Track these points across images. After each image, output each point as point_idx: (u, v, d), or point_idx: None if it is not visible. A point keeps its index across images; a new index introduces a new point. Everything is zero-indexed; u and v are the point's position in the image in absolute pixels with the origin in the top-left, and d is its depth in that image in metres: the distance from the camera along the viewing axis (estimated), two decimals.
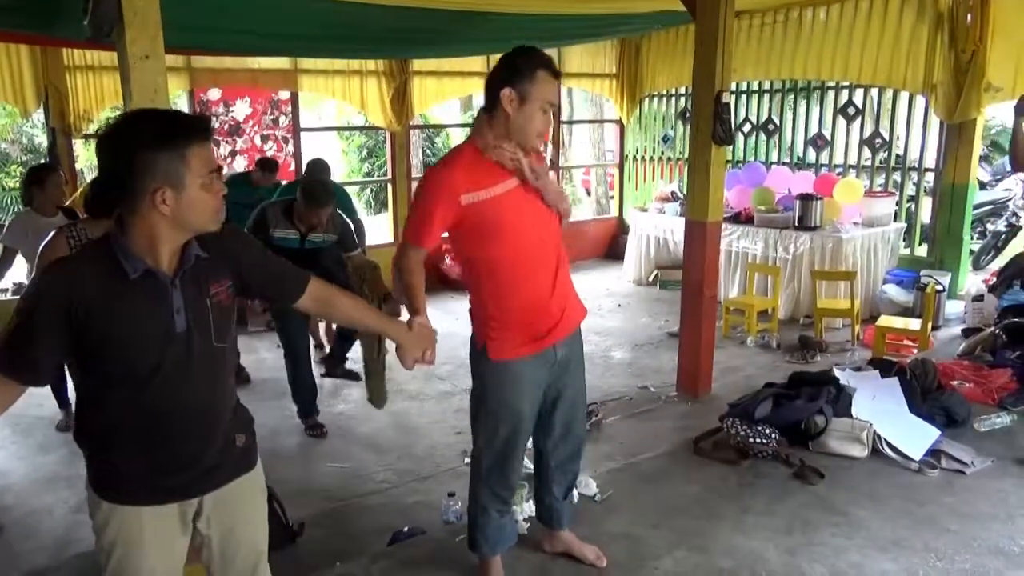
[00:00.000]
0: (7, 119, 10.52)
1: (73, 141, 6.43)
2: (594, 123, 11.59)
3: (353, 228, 4.39)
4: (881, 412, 3.69)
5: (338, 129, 13.90)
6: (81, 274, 1.56)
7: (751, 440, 3.52)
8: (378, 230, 8.67)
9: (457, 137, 15.83)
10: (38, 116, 7.40)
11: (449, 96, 8.34)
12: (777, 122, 7.71)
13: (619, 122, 9.30)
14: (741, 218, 6.85)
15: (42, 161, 11.38)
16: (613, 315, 6.90)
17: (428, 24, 5.07)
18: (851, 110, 7.07)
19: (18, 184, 10.50)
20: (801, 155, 7.60)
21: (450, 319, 6.67)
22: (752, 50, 7.19)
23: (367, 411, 4.42)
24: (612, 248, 9.14)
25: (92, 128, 6.36)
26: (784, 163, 7.62)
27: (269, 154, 6.96)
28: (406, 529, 3.17)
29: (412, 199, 2.38)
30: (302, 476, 3.93)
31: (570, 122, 12.99)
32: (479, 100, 11.53)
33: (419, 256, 2.32)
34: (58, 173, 4.45)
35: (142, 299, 1.59)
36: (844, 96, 7.15)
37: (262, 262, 1.84)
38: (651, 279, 7.92)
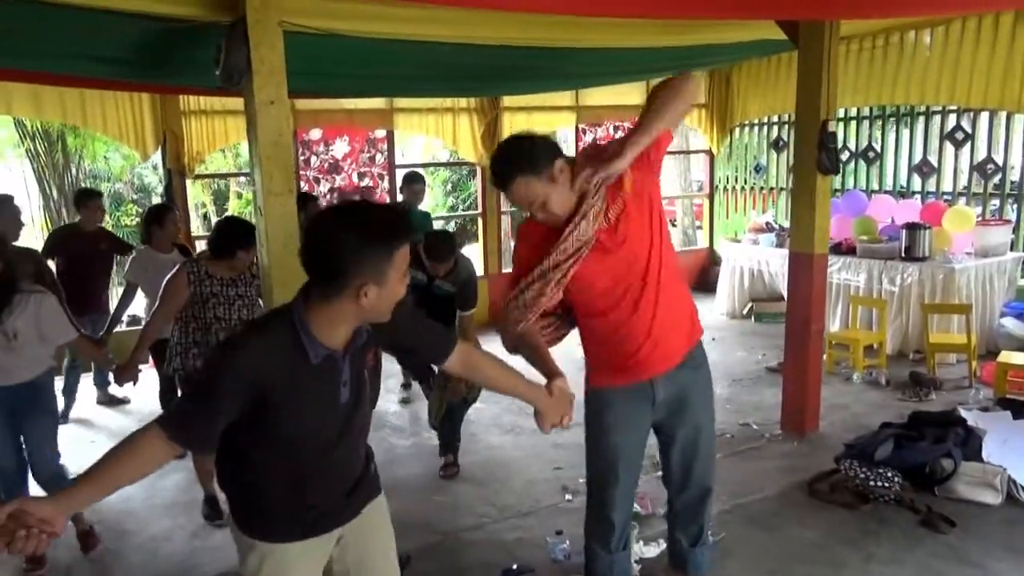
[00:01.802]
0: (124, 162, 11.26)
1: (187, 181, 6.81)
2: (682, 154, 11.47)
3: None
4: (1016, 456, 3.45)
5: (433, 165, 14.24)
6: (267, 356, 1.60)
7: (872, 483, 3.34)
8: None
9: None
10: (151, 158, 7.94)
11: (537, 131, 8.41)
12: (878, 149, 7.44)
13: (708, 152, 9.17)
14: (842, 248, 6.60)
15: (156, 200, 12.16)
16: (708, 349, 6.69)
17: (519, 61, 5.15)
18: (959, 135, 6.75)
19: (133, 222, 11.21)
20: (904, 183, 7.29)
21: None
22: (851, 76, 6.98)
23: (464, 445, 4.44)
24: (702, 280, 8.96)
25: (204, 168, 6.73)
26: (886, 191, 7.33)
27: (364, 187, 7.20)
28: (515, 567, 3.14)
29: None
30: (404, 508, 3.93)
31: None
32: (562, 133, 11.64)
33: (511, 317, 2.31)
34: (175, 212, 4.74)
35: (319, 379, 1.67)
36: (951, 121, 6.83)
37: (414, 327, 1.90)
38: (745, 311, 7.71)
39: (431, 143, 13.47)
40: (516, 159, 2.10)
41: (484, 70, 5.12)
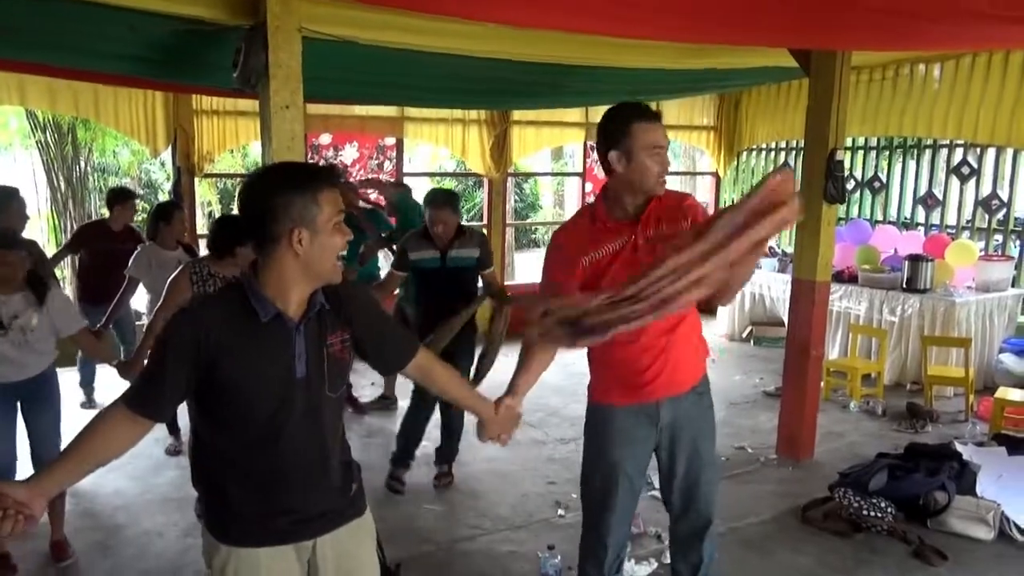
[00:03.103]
0: (132, 158, 11.30)
1: (195, 179, 6.84)
2: (688, 175, 11.52)
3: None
4: (1010, 492, 3.46)
5: (441, 175, 14.29)
6: (212, 314, 1.65)
7: (865, 513, 3.35)
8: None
9: (545, 185, 16.06)
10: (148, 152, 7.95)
11: (545, 145, 8.48)
12: (883, 179, 7.48)
13: (715, 174, 9.22)
14: (844, 277, 6.62)
15: (162, 197, 12.19)
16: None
17: (531, 77, 5.19)
18: (965, 169, 6.79)
19: (140, 218, 11.23)
20: (909, 214, 7.33)
21: None
22: (860, 105, 7.03)
23: (460, 454, 4.44)
24: (703, 301, 8.96)
25: (213, 168, 6.76)
26: (891, 222, 7.36)
27: (372, 196, 7.22)
28: None
29: (542, 271, 2.45)
30: (397, 515, 3.95)
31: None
32: (569, 148, 11.65)
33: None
34: (182, 210, 4.76)
35: (269, 342, 1.66)
36: (957, 154, 6.88)
37: (379, 324, 1.91)
38: (745, 335, 7.72)
39: (438, 152, 13.56)
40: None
41: (497, 84, 5.16)
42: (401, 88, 5.22)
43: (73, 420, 4.74)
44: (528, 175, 13.87)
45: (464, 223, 4.26)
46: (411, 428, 4.30)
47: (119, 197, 5.20)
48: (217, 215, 10.99)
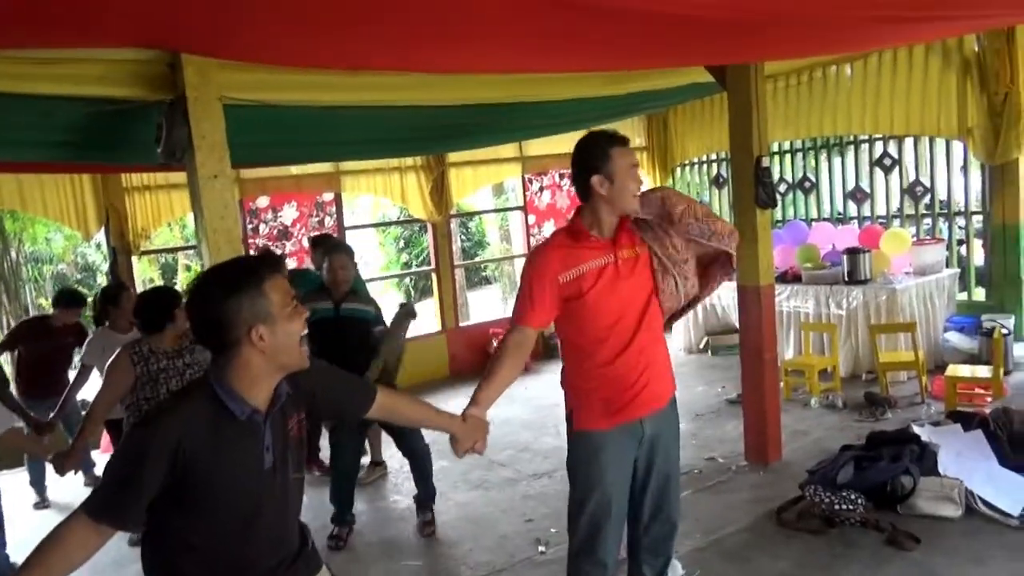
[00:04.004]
0: (66, 242, 11.05)
1: (132, 258, 6.70)
2: None
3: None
4: (970, 468, 3.55)
5: (382, 225, 14.28)
6: (188, 420, 1.60)
7: (837, 507, 3.39)
8: (423, 319, 8.79)
9: (491, 222, 16.15)
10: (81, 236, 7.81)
11: (484, 183, 8.56)
12: (813, 179, 7.74)
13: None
14: (788, 277, 6.79)
15: (101, 279, 11.89)
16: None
17: (462, 119, 5.26)
18: (887, 161, 7.08)
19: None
20: (841, 210, 7.58)
21: (504, 401, 6.69)
22: (780, 111, 7.29)
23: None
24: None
25: (150, 244, 6.64)
26: (825, 219, 7.60)
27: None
28: None
29: (520, 283, 2.56)
30: (379, 573, 3.87)
31: None
32: (509, 183, 11.67)
33: (519, 337, 2.44)
34: (130, 291, 4.66)
35: (242, 441, 1.65)
36: (879, 148, 7.17)
37: (336, 384, 1.92)
38: (702, 346, 7.83)
39: (380, 201, 13.56)
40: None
41: (428, 131, 5.21)
42: (332, 145, 5.23)
43: (28, 520, 4.59)
44: (470, 214, 13.95)
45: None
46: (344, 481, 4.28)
47: (66, 302, 5.10)
48: None
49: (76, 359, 5.32)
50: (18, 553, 4.46)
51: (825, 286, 6.42)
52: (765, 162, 4.55)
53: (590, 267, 2.42)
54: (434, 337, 7.82)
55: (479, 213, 14.35)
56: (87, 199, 6.27)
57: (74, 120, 3.32)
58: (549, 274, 2.41)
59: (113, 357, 3.31)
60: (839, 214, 7.59)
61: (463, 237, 14.59)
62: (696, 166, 9.00)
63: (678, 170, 9.13)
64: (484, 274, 16.87)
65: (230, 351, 1.62)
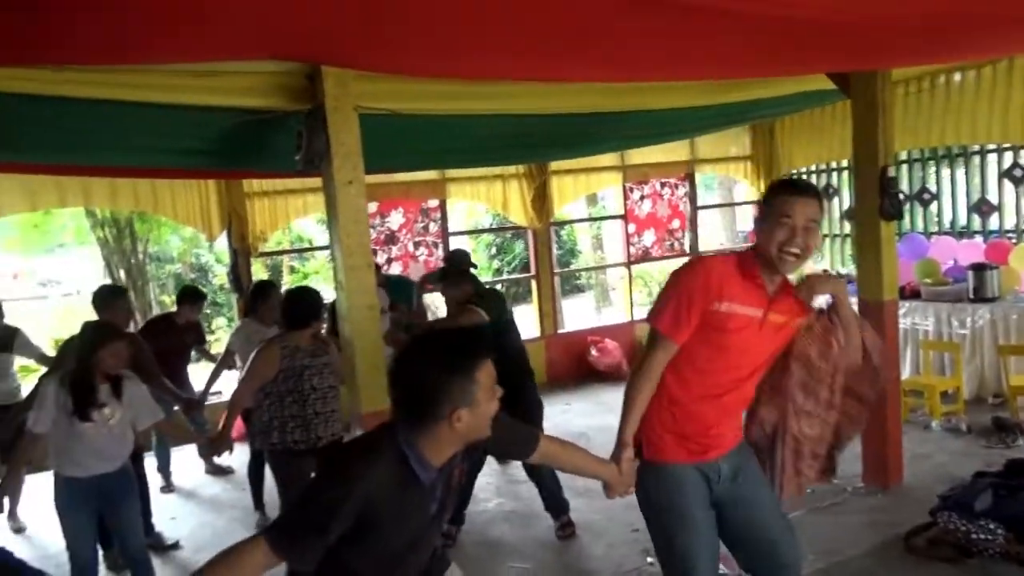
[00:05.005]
0: (184, 244, 11.72)
1: (251, 260, 7.05)
2: (728, 206, 11.51)
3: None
4: None
5: (486, 231, 14.48)
6: (381, 482, 1.67)
7: (974, 536, 3.21)
8: (520, 325, 8.86)
9: (582, 230, 16.11)
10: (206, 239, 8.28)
11: (584, 192, 8.57)
12: (933, 190, 7.36)
13: (757, 203, 9.18)
14: (905, 293, 6.47)
15: (217, 280, 12.57)
16: None
17: (572, 128, 5.29)
18: (1017, 172, 6.66)
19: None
20: (964, 223, 7.18)
21: (602, 410, 6.66)
22: (898, 120, 6.95)
23: (539, 510, 4.39)
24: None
25: (266, 247, 6.98)
26: (946, 232, 7.22)
27: (421, 259, 7.39)
28: None
29: (667, 286, 2.30)
30: (486, 574, 3.92)
31: (704, 207, 12.95)
32: (604, 193, 11.62)
33: (664, 356, 2.24)
34: (278, 289, 4.98)
35: (420, 497, 1.75)
36: (1007, 158, 6.76)
37: (504, 436, 1.91)
38: None
39: (474, 207, 13.76)
40: (817, 190, 2.34)
41: (540, 138, 5.28)
42: (449, 153, 5.38)
43: (155, 503, 4.90)
44: (569, 222, 13.91)
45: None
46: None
47: (190, 297, 5.45)
48: None
49: (193, 354, 5.70)
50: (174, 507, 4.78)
51: (947, 303, 6.09)
52: (891, 172, 4.37)
53: (743, 312, 2.21)
54: (532, 343, 7.86)
55: (579, 221, 14.29)
56: (212, 203, 6.65)
57: (220, 130, 3.54)
58: (711, 292, 2.19)
59: (261, 349, 3.50)
60: (962, 228, 7.19)
61: (555, 245, 14.61)
62: (804, 176, 8.71)
63: None
64: (576, 282, 16.84)
65: (425, 421, 1.68)
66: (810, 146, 8.23)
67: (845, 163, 8.02)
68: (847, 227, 8.13)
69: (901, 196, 7.40)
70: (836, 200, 8.24)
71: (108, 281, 9.52)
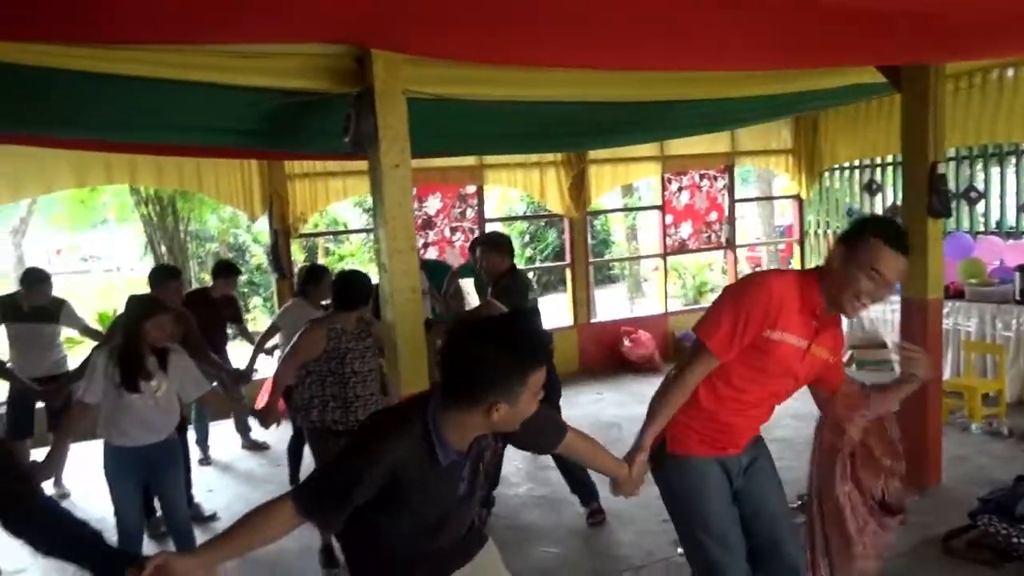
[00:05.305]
0: (222, 224, 11.91)
1: (291, 241, 7.14)
2: (766, 199, 11.36)
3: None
4: None
5: (521, 219, 14.50)
6: (406, 453, 1.72)
7: (1015, 540, 3.16)
8: (552, 313, 8.88)
9: (616, 220, 16.02)
10: (244, 219, 8.42)
11: (622, 181, 8.55)
12: (981, 189, 7.19)
13: (797, 197, 9.06)
14: (949, 292, 6.33)
15: (254, 260, 12.76)
16: (805, 397, 6.53)
17: (614, 117, 5.26)
18: None
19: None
20: (1013, 223, 7.01)
21: (634, 401, 6.65)
22: (948, 115, 6.80)
23: (567, 496, 4.42)
24: None
25: (306, 228, 7.07)
26: (992, 232, 7.05)
27: (457, 244, 7.42)
28: None
29: (723, 302, 2.24)
30: (515, 558, 3.92)
31: (743, 200, 12.75)
32: (640, 183, 11.57)
33: (704, 369, 2.22)
34: (329, 274, 5.10)
35: (443, 477, 1.78)
36: None
37: (532, 425, 1.92)
38: (845, 359, 7.45)
39: (507, 194, 13.76)
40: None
41: (583, 127, 5.26)
42: (488, 138, 5.39)
43: (194, 475, 5.03)
44: (607, 212, 13.82)
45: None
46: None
47: (225, 272, 5.59)
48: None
49: (229, 330, 5.83)
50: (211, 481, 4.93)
51: (992, 304, 5.97)
52: (941, 168, 4.29)
53: (791, 341, 2.18)
54: (565, 331, 7.88)
55: (617, 211, 14.22)
56: (254, 184, 6.75)
57: (270, 110, 3.59)
58: (768, 319, 2.14)
59: (307, 328, 3.58)
60: (1010, 228, 7.02)
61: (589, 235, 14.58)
62: (847, 171, 8.57)
63: (826, 175, 8.73)
64: (609, 273, 16.79)
65: (462, 402, 1.70)
66: (854, 141, 8.08)
67: (890, 159, 7.88)
68: None
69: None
70: (879, 197, 8.09)
71: (149, 258, 9.74)
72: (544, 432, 2.04)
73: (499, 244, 4.50)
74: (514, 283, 4.27)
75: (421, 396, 1.83)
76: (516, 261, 4.51)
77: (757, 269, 12.89)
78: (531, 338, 1.75)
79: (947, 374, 6.15)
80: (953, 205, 7.35)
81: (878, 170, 8.11)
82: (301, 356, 3.53)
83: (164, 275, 4.76)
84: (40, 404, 4.87)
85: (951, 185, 7.36)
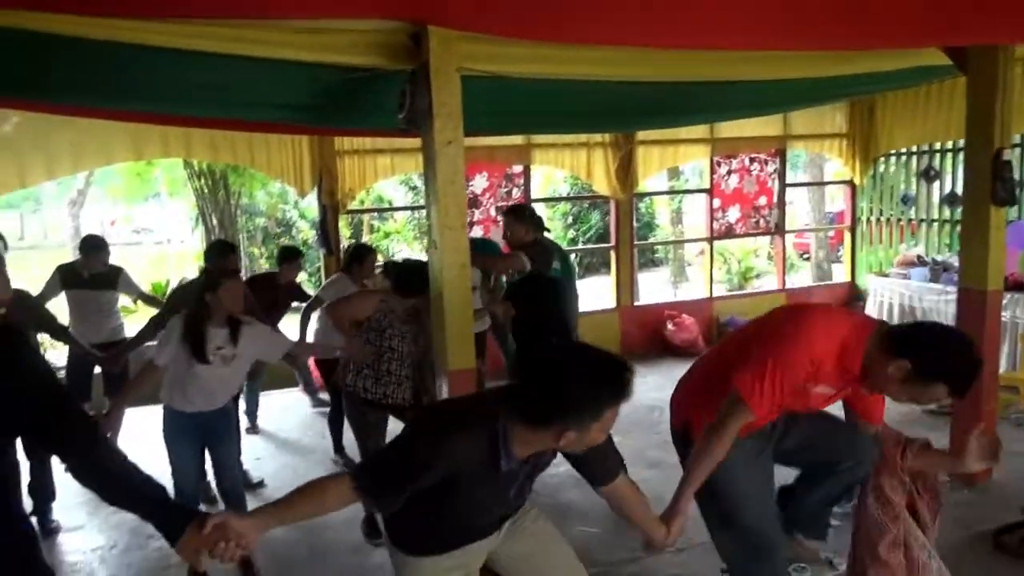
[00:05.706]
0: (270, 200, 12.10)
1: (339, 216, 7.23)
2: (816, 185, 11.10)
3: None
4: None
5: (566, 199, 14.45)
6: (469, 453, 1.76)
7: None
8: (594, 295, 8.85)
9: (661, 203, 15.88)
10: (292, 195, 8.49)
11: (671, 163, 8.42)
12: None
13: (850, 183, 8.83)
14: (1008, 284, 6.14)
15: (302, 235, 12.96)
16: None
17: (661, 97, 5.18)
18: None
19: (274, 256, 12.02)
20: None
21: (670, 384, 6.61)
22: (1014, 100, 6.54)
23: None
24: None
25: (355, 204, 7.14)
26: None
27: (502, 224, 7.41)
28: None
29: (766, 358, 2.26)
30: None
31: (793, 184, 12.48)
32: (687, 167, 11.41)
33: (739, 424, 2.28)
34: (374, 254, 5.18)
35: (500, 482, 1.84)
36: None
37: (591, 456, 1.97)
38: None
39: (552, 175, 13.69)
40: None
41: (635, 107, 5.21)
42: (538, 117, 5.36)
43: (242, 445, 5.17)
44: (653, 194, 13.68)
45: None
46: None
47: (289, 256, 5.69)
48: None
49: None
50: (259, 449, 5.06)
51: None
52: (1006, 155, 4.15)
53: (823, 391, 2.34)
54: (608, 314, 7.85)
55: (664, 193, 14.04)
56: (304, 159, 6.83)
57: (329, 86, 3.63)
58: (809, 379, 2.26)
59: (366, 292, 3.92)
60: None
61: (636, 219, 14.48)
62: (903, 157, 8.32)
63: (881, 161, 8.48)
64: (652, 256, 16.65)
65: (532, 424, 1.73)
66: (912, 126, 7.82)
67: (949, 144, 7.62)
68: (946, 212, 7.75)
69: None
70: (936, 184, 7.85)
71: (200, 231, 9.96)
72: (603, 465, 2.07)
73: (522, 215, 4.54)
74: (537, 253, 4.42)
75: (494, 397, 1.84)
76: (560, 242, 4.57)
77: (807, 302, 12.58)
78: (615, 375, 1.73)
79: (1003, 367, 5.98)
80: (1017, 193, 7.13)
81: (936, 156, 7.86)
82: (349, 309, 3.71)
83: (223, 249, 4.93)
84: (98, 370, 5.04)
85: (1015, 173, 7.12)
